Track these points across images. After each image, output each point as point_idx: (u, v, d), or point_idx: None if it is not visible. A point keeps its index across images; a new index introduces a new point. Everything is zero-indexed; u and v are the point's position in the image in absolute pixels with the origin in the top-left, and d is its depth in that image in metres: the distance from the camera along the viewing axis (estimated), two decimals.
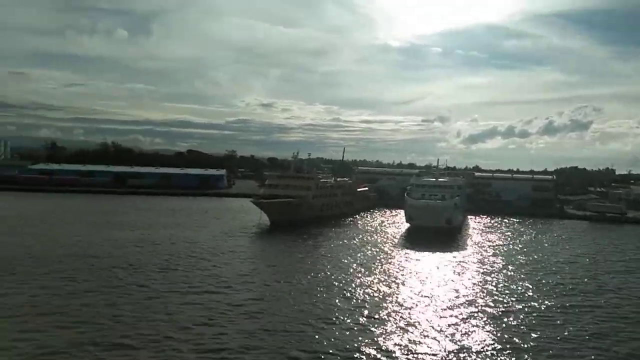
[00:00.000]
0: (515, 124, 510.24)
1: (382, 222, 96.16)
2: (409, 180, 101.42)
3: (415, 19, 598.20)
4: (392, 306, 37.05)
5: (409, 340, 30.04)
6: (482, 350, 28.92)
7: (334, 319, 33.39)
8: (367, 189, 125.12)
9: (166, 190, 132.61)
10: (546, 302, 39.99)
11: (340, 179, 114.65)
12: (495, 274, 50.74)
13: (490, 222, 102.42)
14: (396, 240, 71.49)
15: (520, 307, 38.37)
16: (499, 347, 29.55)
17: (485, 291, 42.99)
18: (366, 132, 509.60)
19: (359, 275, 47.10)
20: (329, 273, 47.18)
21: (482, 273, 50.72)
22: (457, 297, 40.56)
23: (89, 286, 38.40)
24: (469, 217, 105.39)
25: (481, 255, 61.96)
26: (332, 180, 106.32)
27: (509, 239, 78.55)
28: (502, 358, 27.97)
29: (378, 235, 76.31)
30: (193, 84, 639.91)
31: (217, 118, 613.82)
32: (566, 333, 32.46)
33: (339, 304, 37.14)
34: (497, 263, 56.79)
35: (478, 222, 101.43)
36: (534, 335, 31.75)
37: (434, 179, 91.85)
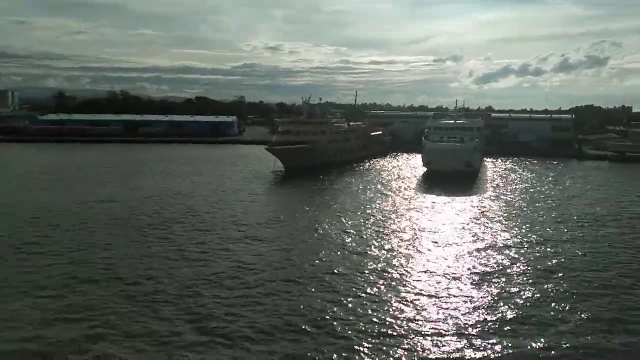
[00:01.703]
0: (530, 61, 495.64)
1: (398, 166, 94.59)
2: (424, 123, 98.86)
3: None
4: (411, 256, 35.95)
5: (425, 292, 28.95)
6: (496, 303, 27.91)
7: (346, 270, 32.21)
8: (381, 133, 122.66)
9: (177, 138, 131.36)
10: (569, 249, 38.53)
11: (354, 123, 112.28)
12: (516, 218, 49.31)
13: (508, 165, 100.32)
14: (414, 185, 70.18)
15: (542, 254, 37.13)
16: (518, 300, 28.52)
17: (502, 238, 41.64)
18: (376, 74, 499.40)
19: (376, 222, 46.01)
20: (345, 220, 46.10)
21: (502, 218, 49.26)
22: (478, 245, 39.27)
23: (113, 239, 37.89)
24: (486, 159, 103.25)
25: (501, 199, 60.44)
26: (345, 125, 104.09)
27: (530, 181, 76.67)
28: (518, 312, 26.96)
29: (395, 180, 74.92)
30: (199, 29, 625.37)
31: (223, 63, 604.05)
32: (592, 282, 31.26)
33: (353, 249, 36.38)
34: (518, 207, 55.29)
35: (496, 165, 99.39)
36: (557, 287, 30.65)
37: (452, 121, 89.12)
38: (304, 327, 23.57)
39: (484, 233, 42.81)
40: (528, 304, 27.06)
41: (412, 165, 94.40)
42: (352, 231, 42.14)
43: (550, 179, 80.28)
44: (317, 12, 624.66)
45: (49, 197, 53.32)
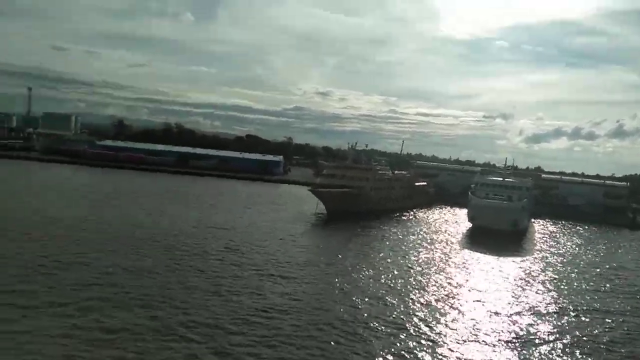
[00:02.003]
0: (582, 125, 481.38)
1: (442, 219, 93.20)
2: (471, 178, 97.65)
3: (481, 13, 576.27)
4: (444, 313, 34.93)
5: (453, 353, 28.10)
6: None
7: (375, 322, 31.65)
8: (425, 183, 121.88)
9: (225, 172, 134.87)
10: (611, 321, 36.48)
11: (398, 172, 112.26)
12: (563, 285, 47.27)
13: (557, 228, 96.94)
14: (457, 240, 68.75)
15: (584, 322, 35.28)
16: None
17: (549, 303, 39.93)
18: (422, 125, 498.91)
19: (415, 275, 45.18)
20: (383, 270, 45.54)
21: (548, 283, 47.33)
22: (518, 305, 37.97)
23: (151, 266, 38.90)
24: (533, 220, 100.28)
25: (549, 263, 58.20)
26: (390, 173, 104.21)
27: (579, 247, 73.72)
28: None
29: (437, 233, 73.73)
30: (253, 69, 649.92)
31: (274, 105, 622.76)
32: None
33: (389, 301, 35.74)
34: (567, 274, 53.05)
35: (543, 227, 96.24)
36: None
37: (500, 178, 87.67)
38: None
39: (525, 296, 41.44)
40: None
41: (456, 219, 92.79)
42: (387, 282, 41.51)
43: (601, 246, 76.99)
44: (368, 62, 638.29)
45: (96, 216, 55.48)
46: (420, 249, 58.41)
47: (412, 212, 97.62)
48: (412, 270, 46.66)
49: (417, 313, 34.05)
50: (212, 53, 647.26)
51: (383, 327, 30.50)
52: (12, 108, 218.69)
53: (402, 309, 34.60)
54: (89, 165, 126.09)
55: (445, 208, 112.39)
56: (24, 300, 28.67)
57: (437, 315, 34.08)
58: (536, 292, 43.14)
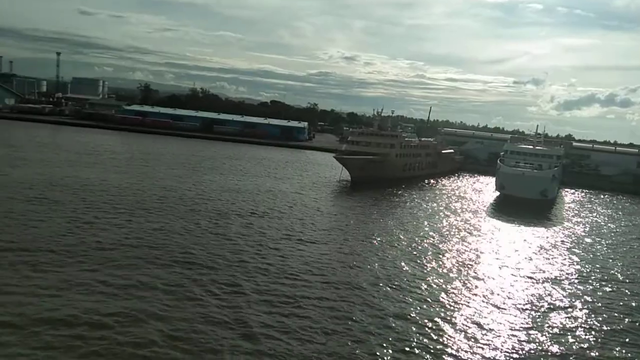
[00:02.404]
0: (617, 91, 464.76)
1: (469, 187, 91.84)
2: (499, 145, 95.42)
3: None
4: (464, 280, 34.55)
5: (470, 319, 27.77)
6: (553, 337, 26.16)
7: (403, 285, 31.83)
8: (452, 151, 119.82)
9: (250, 138, 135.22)
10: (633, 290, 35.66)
11: (425, 139, 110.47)
12: (590, 255, 46.21)
13: (587, 198, 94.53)
14: (484, 209, 67.70)
15: (604, 296, 34.48)
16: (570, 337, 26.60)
17: (572, 273, 39.15)
18: (451, 91, 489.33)
19: (438, 242, 44.74)
20: (407, 237, 45.23)
21: (574, 253, 46.34)
22: (541, 273, 37.37)
23: (180, 228, 39.45)
24: (563, 190, 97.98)
25: (578, 234, 56.93)
26: (416, 140, 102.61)
27: (608, 218, 71.80)
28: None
29: (464, 201, 72.70)
30: (278, 34, 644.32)
31: (300, 69, 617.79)
32: None
33: (412, 269, 35.46)
34: (594, 245, 51.81)
35: (573, 197, 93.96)
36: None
37: (530, 147, 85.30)
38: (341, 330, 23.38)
39: (548, 264, 40.91)
40: (578, 342, 25.32)
41: (483, 188, 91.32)
42: (408, 248, 41.29)
43: (633, 217, 74.76)
44: (395, 25, 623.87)
45: (126, 180, 56.39)
46: (445, 217, 57.78)
47: (438, 180, 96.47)
48: (433, 237, 46.28)
49: (435, 279, 33.81)
50: (238, 18, 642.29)
51: (399, 293, 30.40)
52: (42, 73, 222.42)
53: (416, 274, 34.40)
54: (117, 129, 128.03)
55: (473, 176, 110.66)
56: (59, 257, 29.52)
57: (457, 282, 33.78)
58: (561, 262, 42.38)
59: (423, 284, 32.49)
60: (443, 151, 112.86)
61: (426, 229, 50.14)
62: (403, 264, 36.64)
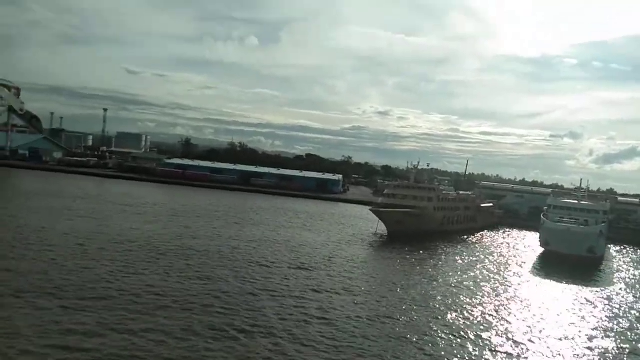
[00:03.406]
0: None
1: (510, 243, 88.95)
2: (540, 200, 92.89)
3: (547, 30, 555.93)
4: (506, 349, 32.50)
5: None
6: None
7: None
8: (492, 205, 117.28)
9: (286, 191, 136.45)
10: None
11: (463, 192, 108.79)
12: None
13: (637, 255, 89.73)
14: (527, 266, 64.96)
15: None
16: None
17: (629, 343, 36.30)
18: (485, 145, 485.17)
19: (478, 303, 42.58)
20: (448, 296, 43.34)
21: (632, 318, 43.32)
22: (594, 344, 34.77)
23: (219, 277, 39.25)
24: (609, 246, 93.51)
25: (632, 295, 53.54)
26: (454, 193, 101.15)
27: None
28: None
29: (506, 257, 70.17)
30: (313, 90, 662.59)
31: (334, 124, 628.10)
32: None
33: (442, 336, 33.60)
34: None
35: (621, 254, 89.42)
36: None
37: (575, 201, 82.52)
38: None
39: (605, 330, 38.01)
40: None
41: (525, 244, 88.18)
42: (449, 309, 39.29)
43: None
44: (428, 82, 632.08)
45: (168, 231, 57.22)
46: (485, 274, 55.55)
47: (477, 235, 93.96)
48: (475, 297, 44.09)
49: (472, 345, 31.97)
50: (275, 76, 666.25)
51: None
52: (90, 128, 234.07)
53: (456, 340, 32.58)
54: (158, 182, 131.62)
55: (513, 231, 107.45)
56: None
57: (496, 348, 31.67)
58: (612, 325, 39.51)
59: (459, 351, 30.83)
60: (482, 205, 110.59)
61: (466, 286, 48.14)
62: (441, 325, 35.05)
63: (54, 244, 46.04)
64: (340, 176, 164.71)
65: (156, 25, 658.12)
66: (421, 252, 67.21)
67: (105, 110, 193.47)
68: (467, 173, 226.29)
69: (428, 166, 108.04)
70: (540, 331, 35.86)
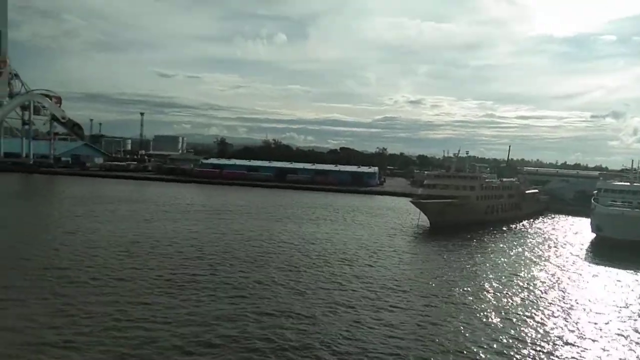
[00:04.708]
0: None
1: (557, 229, 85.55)
2: (587, 184, 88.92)
3: (582, 8, 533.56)
4: (569, 336, 30.80)
5: None
6: None
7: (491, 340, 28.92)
8: (537, 191, 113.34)
9: (321, 186, 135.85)
10: None
11: (506, 179, 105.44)
12: None
13: None
14: (578, 254, 62.08)
15: None
16: None
17: None
18: (523, 129, 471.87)
19: (528, 294, 40.66)
20: (495, 286, 41.91)
21: None
22: None
23: (265, 275, 38.96)
24: None
25: None
26: (497, 181, 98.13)
27: None
28: None
29: (555, 245, 67.43)
30: (343, 83, 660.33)
31: (366, 116, 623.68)
32: None
33: (502, 322, 32.23)
34: None
35: None
36: None
37: (627, 183, 78.45)
38: None
39: None
40: None
41: (574, 230, 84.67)
42: (497, 302, 37.66)
43: None
44: (461, 67, 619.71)
45: (212, 230, 57.54)
46: (533, 264, 53.34)
47: (523, 223, 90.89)
48: (525, 289, 42.07)
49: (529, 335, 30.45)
50: (304, 71, 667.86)
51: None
52: (127, 132, 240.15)
53: (507, 333, 31.13)
54: (196, 182, 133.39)
55: (560, 217, 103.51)
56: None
57: (544, 340, 30.11)
58: None
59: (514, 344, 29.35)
60: (526, 191, 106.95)
61: (514, 276, 46.36)
62: (494, 317, 33.62)
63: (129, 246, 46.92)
64: (376, 168, 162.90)
65: (183, 27, 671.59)
66: (466, 242, 65.37)
67: (142, 114, 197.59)
68: (503, 158, 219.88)
69: (467, 154, 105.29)
70: (607, 323, 33.98)
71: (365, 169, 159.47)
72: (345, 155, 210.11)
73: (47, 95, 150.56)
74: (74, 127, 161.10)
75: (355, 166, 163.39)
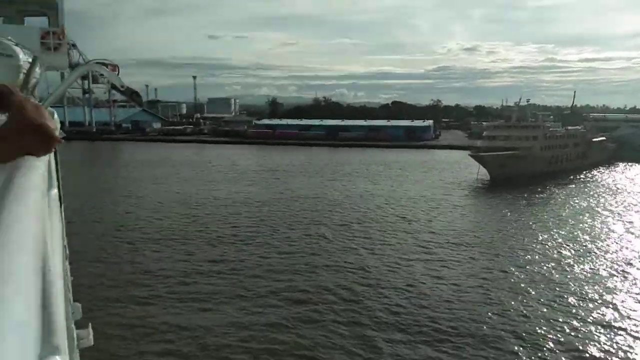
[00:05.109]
0: None
1: (629, 179, 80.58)
2: None
3: None
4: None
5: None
6: None
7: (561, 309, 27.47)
8: (604, 139, 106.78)
9: (374, 142, 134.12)
10: None
11: (571, 127, 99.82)
12: None
13: None
14: None
15: None
16: None
17: None
18: (588, 73, 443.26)
19: (600, 253, 38.01)
20: (560, 245, 39.65)
21: None
22: None
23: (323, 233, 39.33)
24: None
25: None
26: (561, 130, 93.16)
27: None
28: None
29: (626, 196, 63.56)
30: (394, 34, 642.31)
31: (417, 67, 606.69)
32: None
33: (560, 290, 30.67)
34: None
35: None
36: None
37: None
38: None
39: None
40: None
41: None
42: (565, 260, 35.89)
43: None
44: (518, 9, 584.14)
45: (268, 190, 58.58)
46: (605, 217, 50.32)
47: (589, 173, 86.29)
48: (595, 246, 39.71)
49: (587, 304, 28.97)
50: (353, 24, 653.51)
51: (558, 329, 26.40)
52: (182, 96, 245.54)
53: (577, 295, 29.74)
54: (251, 143, 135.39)
55: (630, 166, 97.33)
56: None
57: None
58: None
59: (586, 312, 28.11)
60: (593, 139, 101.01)
61: (583, 233, 44.02)
62: (555, 277, 32.30)
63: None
64: (431, 121, 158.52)
65: None
66: (531, 195, 62.88)
67: (194, 77, 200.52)
68: (565, 105, 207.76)
69: (528, 102, 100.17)
70: None
71: (419, 122, 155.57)
72: (397, 109, 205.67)
73: (104, 64, 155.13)
74: (132, 95, 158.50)
75: (408, 120, 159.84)
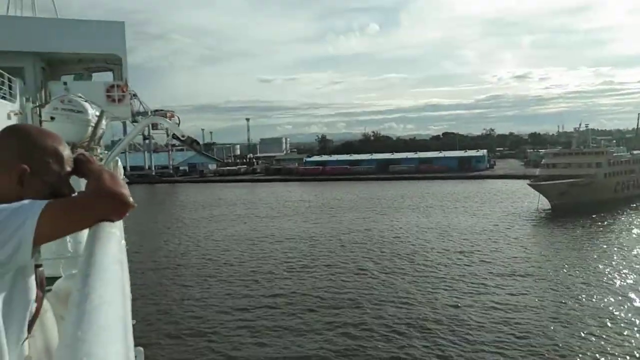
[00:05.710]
0: None
1: None
2: None
3: None
4: None
5: None
6: None
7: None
8: None
9: (426, 174, 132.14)
10: None
11: (637, 151, 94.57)
12: None
13: None
14: None
15: None
16: None
17: None
18: None
19: None
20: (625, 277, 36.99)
21: None
22: None
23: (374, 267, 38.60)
24: None
25: None
26: (627, 154, 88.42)
27: None
28: None
29: None
30: (441, 66, 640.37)
31: (467, 98, 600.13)
32: None
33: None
34: None
35: None
36: None
37: None
38: None
39: None
40: None
41: None
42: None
43: None
44: (570, 33, 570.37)
45: (321, 225, 58.55)
46: None
47: None
48: None
49: None
50: (399, 58, 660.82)
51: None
52: (235, 138, 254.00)
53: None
54: (301, 180, 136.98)
55: None
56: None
57: None
58: None
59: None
60: None
61: None
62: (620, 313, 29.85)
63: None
64: (484, 151, 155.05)
65: (280, 33, 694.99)
66: (596, 225, 59.40)
67: (247, 119, 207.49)
68: (628, 128, 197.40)
69: (587, 126, 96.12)
70: None
71: (472, 152, 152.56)
72: (448, 140, 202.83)
73: (163, 114, 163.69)
74: (192, 144, 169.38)
75: (461, 151, 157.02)
